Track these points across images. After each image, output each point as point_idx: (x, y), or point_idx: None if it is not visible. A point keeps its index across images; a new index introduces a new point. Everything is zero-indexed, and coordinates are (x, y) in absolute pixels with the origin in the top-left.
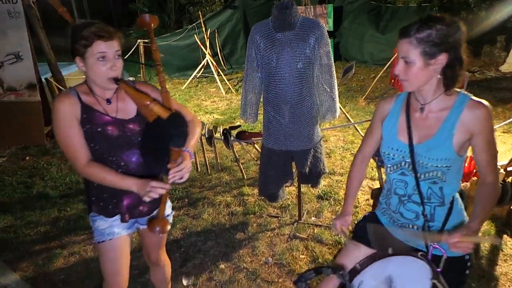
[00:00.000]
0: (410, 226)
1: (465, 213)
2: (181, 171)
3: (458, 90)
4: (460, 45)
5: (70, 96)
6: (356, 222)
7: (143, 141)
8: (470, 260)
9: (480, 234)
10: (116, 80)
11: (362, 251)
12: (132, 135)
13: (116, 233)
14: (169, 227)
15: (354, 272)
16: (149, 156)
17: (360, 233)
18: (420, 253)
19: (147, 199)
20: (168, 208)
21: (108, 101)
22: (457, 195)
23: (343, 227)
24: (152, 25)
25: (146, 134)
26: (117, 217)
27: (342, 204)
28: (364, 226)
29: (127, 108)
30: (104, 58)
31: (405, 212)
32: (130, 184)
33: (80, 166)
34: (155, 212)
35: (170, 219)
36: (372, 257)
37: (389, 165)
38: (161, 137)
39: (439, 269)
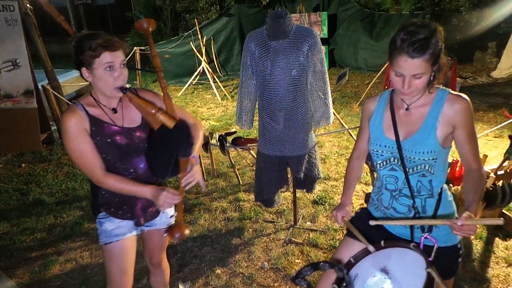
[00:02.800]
0: None
1: (454, 204)
2: (192, 177)
3: (437, 85)
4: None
5: (77, 111)
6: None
7: (148, 148)
8: (462, 248)
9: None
10: (122, 89)
11: (357, 245)
12: (140, 142)
13: (123, 234)
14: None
15: (349, 265)
16: (155, 162)
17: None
18: (412, 244)
19: (162, 208)
20: (171, 210)
21: (114, 110)
22: (445, 186)
23: (344, 218)
24: (150, 29)
25: (151, 141)
26: (127, 221)
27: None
28: (357, 222)
29: (132, 116)
30: (111, 68)
31: (398, 207)
32: (145, 192)
33: (98, 178)
34: (167, 218)
35: (172, 220)
36: (366, 250)
37: (378, 162)
38: (167, 144)
39: (430, 258)
